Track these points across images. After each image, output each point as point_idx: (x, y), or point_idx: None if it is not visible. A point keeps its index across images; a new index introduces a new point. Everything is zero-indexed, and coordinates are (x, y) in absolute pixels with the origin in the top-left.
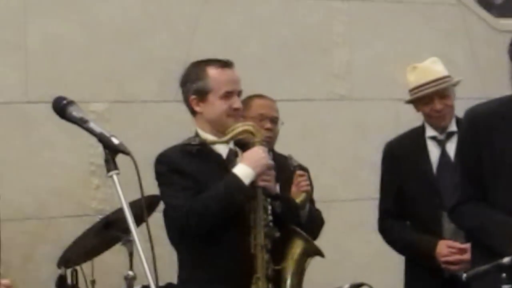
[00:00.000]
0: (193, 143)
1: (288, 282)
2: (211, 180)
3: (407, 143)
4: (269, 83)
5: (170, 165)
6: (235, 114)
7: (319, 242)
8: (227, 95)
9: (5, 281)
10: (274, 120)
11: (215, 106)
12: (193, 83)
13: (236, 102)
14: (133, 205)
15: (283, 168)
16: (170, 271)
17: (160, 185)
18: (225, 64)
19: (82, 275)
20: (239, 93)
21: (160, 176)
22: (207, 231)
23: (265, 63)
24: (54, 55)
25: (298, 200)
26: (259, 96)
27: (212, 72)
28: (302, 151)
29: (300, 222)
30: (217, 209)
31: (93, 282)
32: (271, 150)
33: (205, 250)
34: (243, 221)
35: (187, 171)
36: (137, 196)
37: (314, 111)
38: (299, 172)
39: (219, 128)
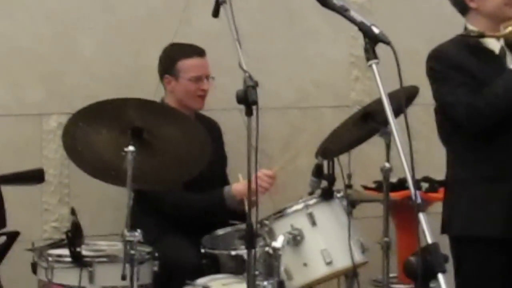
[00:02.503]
0: (471, 34)
1: None
2: (488, 76)
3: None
4: None
5: (446, 60)
6: None
7: None
8: None
9: (268, 172)
10: None
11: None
12: None
13: None
14: (392, 96)
15: None
16: (426, 165)
17: (434, 81)
18: None
19: (339, 166)
20: None
21: (435, 72)
22: (486, 130)
23: None
24: None
25: None
26: None
27: None
28: None
29: None
30: (500, 105)
31: (349, 175)
32: None
33: (482, 147)
34: None
35: (465, 66)
36: (396, 87)
37: None
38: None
39: (497, 20)
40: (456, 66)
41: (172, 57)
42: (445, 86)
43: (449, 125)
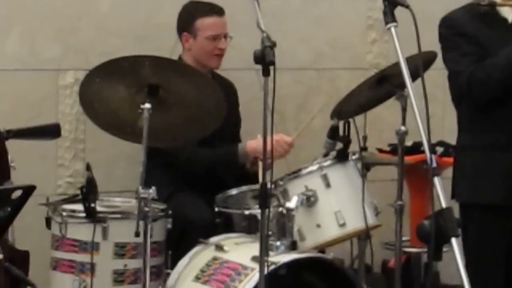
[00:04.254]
0: (482, 3)
1: None
2: (497, 46)
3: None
4: None
5: (455, 28)
6: None
7: None
8: None
9: (287, 138)
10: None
11: None
12: None
13: None
14: (409, 60)
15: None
16: (441, 129)
17: (443, 48)
18: None
19: (354, 127)
20: None
21: (444, 39)
22: (489, 100)
23: None
24: None
25: None
26: None
27: None
28: None
29: None
30: (501, 77)
31: (364, 137)
32: None
33: (486, 116)
34: None
35: (472, 35)
36: (414, 51)
37: None
38: None
39: None
40: (464, 34)
41: (191, 15)
42: (452, 54)
43: (456, 92)
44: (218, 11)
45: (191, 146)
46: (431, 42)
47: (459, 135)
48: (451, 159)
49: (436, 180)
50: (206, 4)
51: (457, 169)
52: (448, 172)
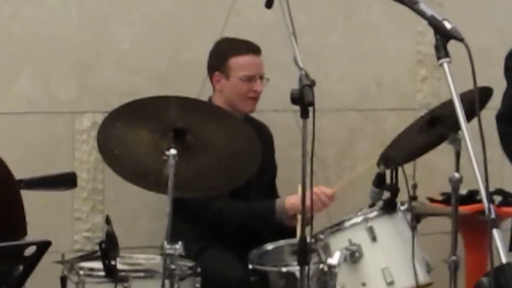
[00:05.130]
0: None
1: None
2: None
3: None
4: None
5: None
6: None
7: None
8: None
9: (327, 191)
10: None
11: None
12: None
13: None
14: (463, 98)
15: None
16: (499, 175)
17: (510, 84)
18: None
19: (403, 175)
20: None
21: (509, 73)
22: None
23: None
24: None
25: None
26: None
27: None
28: None
29: None
30: None
31: (414, 186)
32: None
33: None
34: None
35: None
36: (465, 89)
37: None
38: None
39: None
40: None
41: (224, 53)
42: None
43: None
44: (254, 49)
45: (222, 198)
46: (485, 78)
47: None
48: (511, 209)
49: (495, 232)
50: (241, 41)
51: None
52: (508, 223)
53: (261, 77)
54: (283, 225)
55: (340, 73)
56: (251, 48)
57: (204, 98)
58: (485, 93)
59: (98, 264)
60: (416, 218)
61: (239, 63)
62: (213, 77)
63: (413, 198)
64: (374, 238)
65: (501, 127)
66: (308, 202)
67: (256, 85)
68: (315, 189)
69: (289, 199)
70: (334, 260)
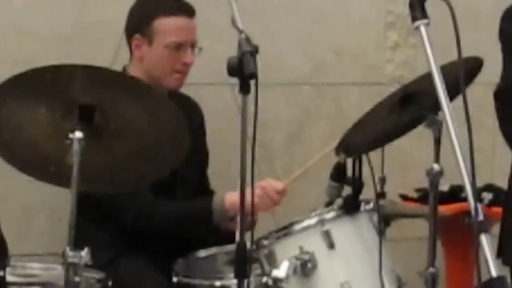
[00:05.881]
0: None
1: None
2: None
3: None
4: None
5: None
6: None
7: None
8: None
9: (277, 186)
10: None
11: None
12: None
13: None
14: (445, 71)
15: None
16: (489, 168)
17: (505, 51)
18: None
19: (368, 166)
20: None
21: (508, 37)
22: None
23: None
24: None
25: None
26: None
27: None
28: None
29: None
30: None
31: (382, 179)
32: None
33: None
34: None
35: None
36: (450, 58)
37: None
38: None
39: None
40: None
41: (149, 11)
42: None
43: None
44: (187, 10)
45: (144, 194)
46: (474, 46)
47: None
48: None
49: (483, 238)
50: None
51: (507, 222)
52: (499, 227)
53: (193, 46)
54: (219, 229)
55: (290, 38)
56: (183, 8)
57: (118, 68)
58: (473, 65)
59: None
60: (385, 220)
61: (167, 25)
62: (133, 40)
63: (380, 195)
64: (331, 245)
65: (501, 105)
66: (249, 200)
67: (186, 56)
68: (262, 183)
69: (230, 196)
70: (281, 272)
